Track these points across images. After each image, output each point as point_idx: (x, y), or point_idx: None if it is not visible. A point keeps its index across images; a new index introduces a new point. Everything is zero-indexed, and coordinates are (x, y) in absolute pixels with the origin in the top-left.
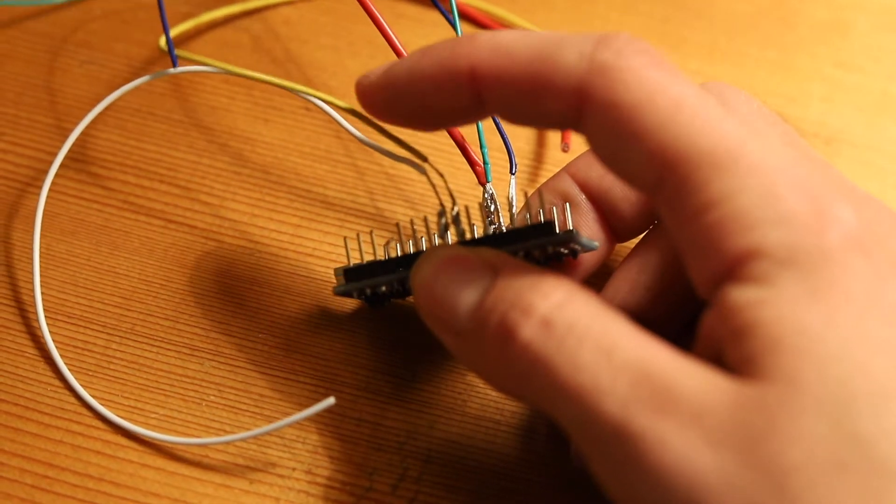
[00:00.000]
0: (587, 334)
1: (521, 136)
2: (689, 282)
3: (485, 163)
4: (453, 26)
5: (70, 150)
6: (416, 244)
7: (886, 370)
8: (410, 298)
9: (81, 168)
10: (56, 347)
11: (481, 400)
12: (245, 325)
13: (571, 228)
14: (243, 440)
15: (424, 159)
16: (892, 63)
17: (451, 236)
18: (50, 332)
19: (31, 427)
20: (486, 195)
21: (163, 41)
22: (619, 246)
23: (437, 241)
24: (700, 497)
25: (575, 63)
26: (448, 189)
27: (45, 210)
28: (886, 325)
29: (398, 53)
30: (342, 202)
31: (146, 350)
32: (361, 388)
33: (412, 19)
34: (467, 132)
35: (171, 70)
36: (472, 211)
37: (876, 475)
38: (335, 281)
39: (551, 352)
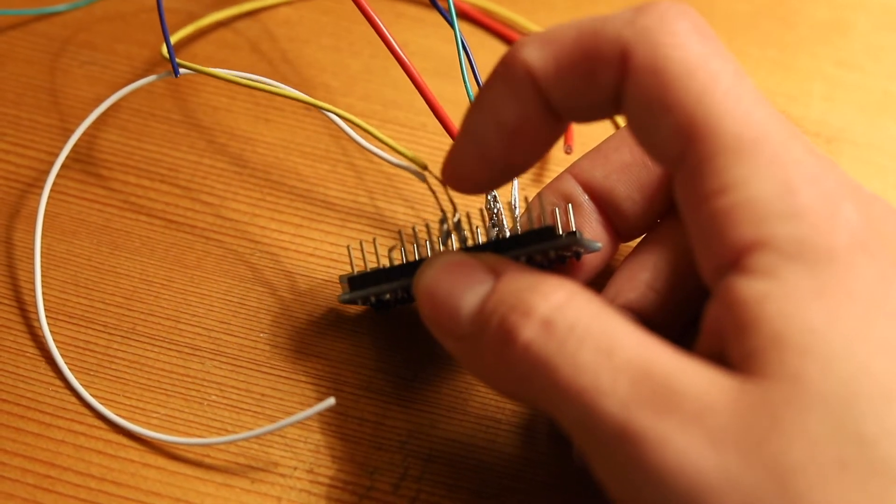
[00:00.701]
0: (587, 334)
1: None
2: (693, 280)
3: None
4: (451, 25)
5: (71, 151)
6: (418, 251)
7: (889, 371)
8: (415, 304)
9: (83, 168)
10: (57, 347)
11: (482, 399)
12: (246, 325)
13: (574, 230)
14: (245, 440)
15: (424, 167)
16: (892, 62)
17: (453, 242)
18: (51, 331)
19: (32, 427)
20: (489, 198)
21: (164, 49)
22: (622, 246)
23: (440, 247)
24: (702, 497)
25: (619, 30)
26: (448, 196)
27: (46, 210)
28: (890, 325)
29: (395, 54)
30: (343, 202)
31: (147, 350)
32: (363, 388)
33: (412, 19)
34: None
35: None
36: (473, 216)
37: (878, 475)
38: (340, 288)
39: (552, 353)
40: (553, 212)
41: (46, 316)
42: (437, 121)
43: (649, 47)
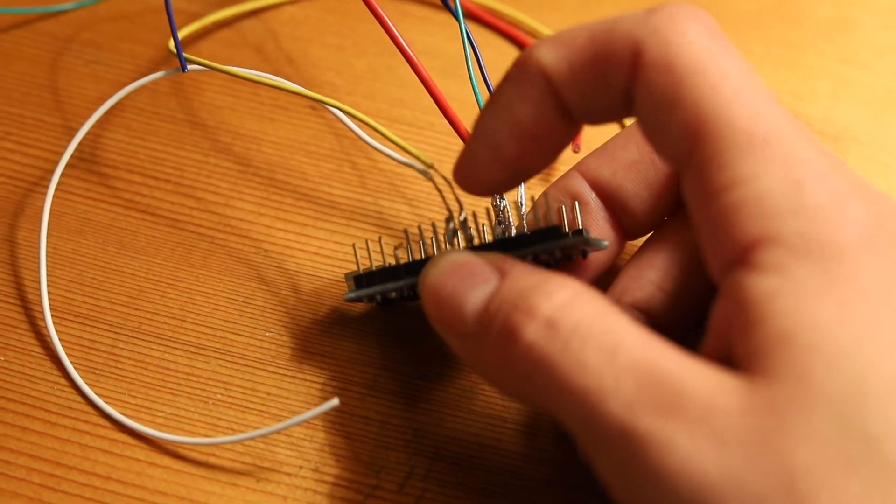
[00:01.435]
0: (591, 335)
1: None
2: (699, 278)
3: None
4: (457, 18)
5: (76, 150)
6: (424, 250)
7: None
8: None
9: (88, 167)
10: (63, 346)
11: (487, 397)
12: (252, 324)
13: (581, 228)
14: (251, 439)
15: (430, 166)
16: None
17: (460, 241)
18: (57, 331)
19: (38, 426)
20: (495, 196)
21: (171, 44)
22: (628, 244)
23: (446, 246)
24: (707, 498)
25: (631, 29)
26: (455, 195)
27: (51, 209)
28: None
29: (404, 53)
30: (348, 201)
31: (153, 349)
32: (368, 387)
33: (417, 18)
34: None
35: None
36: (479, 215)
37: (884, 475)
38: (345, 287)
39: (555, 353)
40: (559, 210)
41: (53, 315)
42: (442, 120)
43: (660, 44)
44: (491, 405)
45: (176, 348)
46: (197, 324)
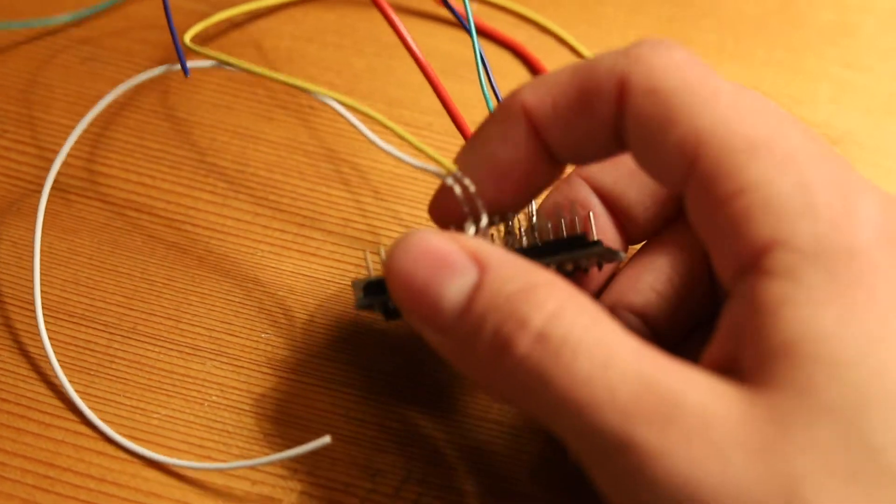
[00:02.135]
0: (581, 346)
1: None
2: (697, 283)
3: None
4: (456, 16)
5: (72, 148)
6: None
7: None
8: None
9: (84, 166)
10: (58, 347)
11: (485, 402)
12: (248, 325)
13: (598, 239)
14: (242, 468)
15: (451, 170)
16: None
17: None
18: (52, 331)
19: (32, 427)
20: None
21: (186, 37)
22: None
23: None
24: None
25: (613, 62)
26: (475, 198)
27: (46, 208)
28: None
29: (411, 52)
30: (346, 201)
31: (148, 349)
32: (365, 389)
33: (417, 17)
34: None
35: (179, 66)
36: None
37: (886, 484)
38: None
39: (548, 365)
40: (586, 217)
41: (47, 315)
42: (441, 120)
43: (645, 71)
44: (488, 409)
45: (171, 349)
46: (192, 324)
